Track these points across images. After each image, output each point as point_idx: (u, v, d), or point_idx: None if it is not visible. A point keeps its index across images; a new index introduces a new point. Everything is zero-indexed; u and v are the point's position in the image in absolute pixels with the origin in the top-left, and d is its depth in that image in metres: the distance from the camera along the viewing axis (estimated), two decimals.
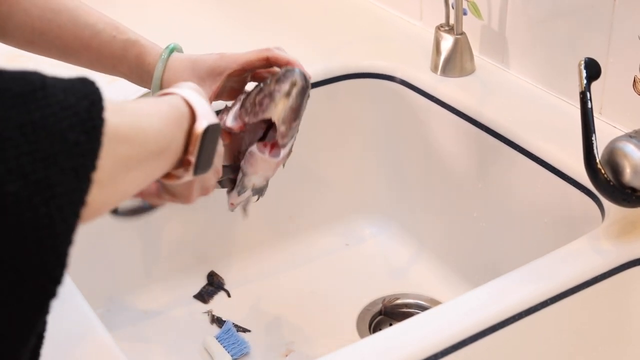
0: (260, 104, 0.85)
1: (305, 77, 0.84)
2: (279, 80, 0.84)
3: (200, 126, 0.65)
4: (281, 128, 0.85)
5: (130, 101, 0.61)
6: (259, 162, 0.87)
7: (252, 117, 0.86)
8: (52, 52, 0.90)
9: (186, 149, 0.66)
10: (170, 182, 0.69)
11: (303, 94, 0.85)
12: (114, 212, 0.80)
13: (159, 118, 0.62)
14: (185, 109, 0.65)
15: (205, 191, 0.78)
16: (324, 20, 1.33)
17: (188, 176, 0.67)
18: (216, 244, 1.17)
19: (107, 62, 0.90)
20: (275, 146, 0.87)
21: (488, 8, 1.15)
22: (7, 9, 0.87)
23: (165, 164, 0.64)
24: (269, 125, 0.88)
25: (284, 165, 0.90)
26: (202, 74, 0.89)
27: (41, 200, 0.48)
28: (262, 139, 0.90)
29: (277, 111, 0.84)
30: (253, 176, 0.88)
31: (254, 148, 0.87)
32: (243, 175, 0.88)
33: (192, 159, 0.66)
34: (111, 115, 0.53)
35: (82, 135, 0.51)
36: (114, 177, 0.55)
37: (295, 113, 0.85)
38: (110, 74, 0.92)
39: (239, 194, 0.89)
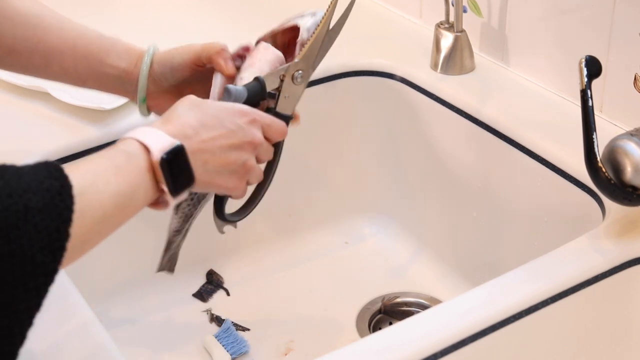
0: (288, 19, 0.89)
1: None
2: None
3: (156, 158, 0.70)
4: (304, 34, 0.87)
5: (94, 174, 0.67)
6: (260, 51, 0.87)
7: (275, 28, 0.88)
8: (32, 59, 0.90)
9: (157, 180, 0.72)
10: (159, 209, 0.75)
11: (327, 22, 0.88)
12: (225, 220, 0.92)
13: (116, 180, 0.68)
14: (139, 150, 0.71)
15: (248, 170, 0.81)
16: None
17: (172, 201, 0.73)
18: (215, 242, 1.17)
19: (94, 58, 0.90)
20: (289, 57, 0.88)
21: (488, 5, 1.15)
22: None
23: (131, 211, 0.71)
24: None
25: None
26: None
27: (3, 315, 0.57)
28: None
29: (304, 19, 0.87)
30: (247, 70, 0.86)
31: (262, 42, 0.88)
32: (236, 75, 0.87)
33: (164, 186, 0.71)
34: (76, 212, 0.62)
35: (48, 256, 0.59)
36: (81, 244, 0.65)
37: (322, 28, 0.87)
38: (91, 79, 0.92)
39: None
